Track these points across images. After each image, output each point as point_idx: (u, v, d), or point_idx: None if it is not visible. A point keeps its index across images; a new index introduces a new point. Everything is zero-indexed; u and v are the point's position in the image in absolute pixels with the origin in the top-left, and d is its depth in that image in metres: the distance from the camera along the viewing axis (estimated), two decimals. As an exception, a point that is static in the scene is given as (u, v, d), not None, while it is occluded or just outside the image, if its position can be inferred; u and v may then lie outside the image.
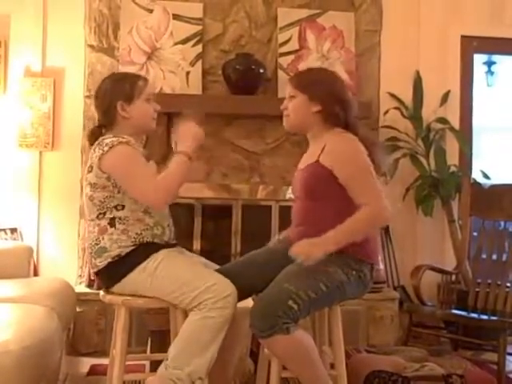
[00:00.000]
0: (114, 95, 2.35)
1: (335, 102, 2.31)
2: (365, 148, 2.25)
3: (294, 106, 2.35)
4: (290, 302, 2.06)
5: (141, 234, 2.28)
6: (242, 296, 2.27)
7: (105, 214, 2.27)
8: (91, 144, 2.36)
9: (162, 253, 2.27)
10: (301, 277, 2.14)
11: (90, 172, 2.27)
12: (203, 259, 2.49)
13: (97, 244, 2.28)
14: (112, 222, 2.27)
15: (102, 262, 2.27)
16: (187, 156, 2.27)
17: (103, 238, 2.27)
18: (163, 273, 2.22)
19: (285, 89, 2.46)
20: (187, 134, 2.31)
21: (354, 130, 2.32)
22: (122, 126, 2.36)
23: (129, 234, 2.27)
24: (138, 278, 2.24)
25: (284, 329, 2.04)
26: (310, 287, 2.11)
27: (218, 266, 2.42)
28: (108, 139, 2.26)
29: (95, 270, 2.31)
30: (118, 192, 2.26)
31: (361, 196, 2.18)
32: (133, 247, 2.26)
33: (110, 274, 2.28)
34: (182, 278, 2.20)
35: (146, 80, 2.44)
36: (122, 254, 2.25)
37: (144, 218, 2.30)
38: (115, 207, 2.27)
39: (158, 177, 2.23)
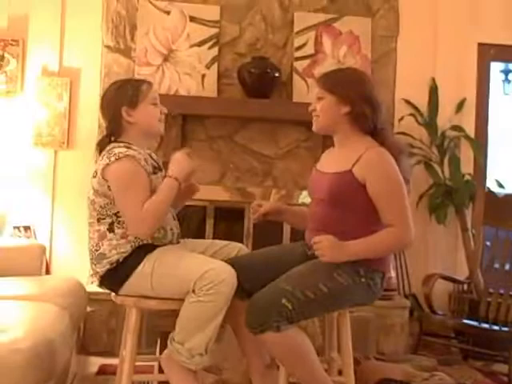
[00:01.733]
0: (118, 102, 2.33)
1: (364, 103, 2.24)
2: (392, 156, 2.20)
3: (323, 108, 2.28)
4: (284, 301, 2.05)
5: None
6: (255, 291, 2.23)
7: (104, 218, 2.27)
8: (100, 153, 2.34)
9: (156, 252, 2.27)
10: (301, 277, 2.13)
11: (94, 177, 2.26)
12: (211, 242, 2.53)
13: (97, 250, 2.29)
14: (111, 228, 2.26)
15: (101, 269, 2.28)
16: (177, 181, 2.26)
17: (102, 244, 2.27)
18: (159, 272, 2.22)
19: (313, 90, 2.41)
20: (181, 162, 2.30)
21: (383, 135, 2.28)
22: (130, 132, 2.34)
23: (128, 238, 2.26)
24: (138, 282, 2.25)
25: (274, 327, 2.03)
26: (308, 287, 2.09)
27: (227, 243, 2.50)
28: (117, 149, 2.24)
29: (97, 276, 2.31)
30: None
31: (388, 215, 2.16)
32: (130, 252, 2.25)
33: (111, 280, 2.29)
34: (177, 273, 2.20)
35: (149, 84, 2.41)
36: (120, 259, 2.25)
37: None
38: (115, 214, 2.26)
39: (147, 203, 2.18)
